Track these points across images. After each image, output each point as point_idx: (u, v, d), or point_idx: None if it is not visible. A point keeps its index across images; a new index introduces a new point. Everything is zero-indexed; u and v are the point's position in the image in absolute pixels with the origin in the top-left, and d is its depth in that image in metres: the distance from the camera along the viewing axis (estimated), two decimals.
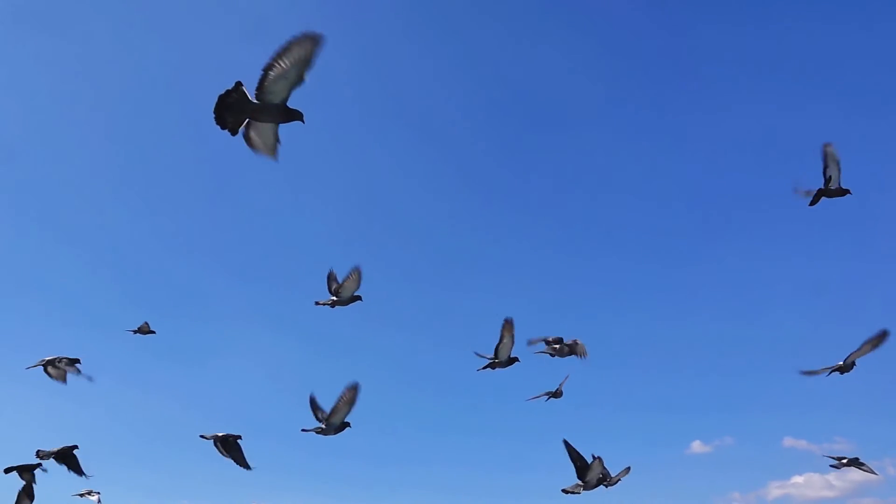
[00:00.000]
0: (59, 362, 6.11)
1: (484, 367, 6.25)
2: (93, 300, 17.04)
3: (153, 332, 8.08)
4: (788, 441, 16.39)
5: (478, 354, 6.31)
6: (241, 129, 3.64)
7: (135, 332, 8.02)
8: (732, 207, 20.02)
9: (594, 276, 19.58)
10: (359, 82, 21.24)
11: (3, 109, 18.00)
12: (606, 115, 21.54)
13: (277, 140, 3.70)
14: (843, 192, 6.69)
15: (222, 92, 3.46)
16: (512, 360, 6.21)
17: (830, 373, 6.52)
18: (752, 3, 20.34)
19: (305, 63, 3.38)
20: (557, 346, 6.16)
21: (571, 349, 6.16)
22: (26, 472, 6.03)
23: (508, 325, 6.01)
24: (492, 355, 6.18)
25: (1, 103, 17.93)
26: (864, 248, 18.34)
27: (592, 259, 20.06)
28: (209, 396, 15.70)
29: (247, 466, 5.91)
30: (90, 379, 6.23)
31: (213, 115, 3.52)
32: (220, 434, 5.92)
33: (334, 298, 6.25)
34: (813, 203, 6.85)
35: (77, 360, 6.22)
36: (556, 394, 6.74)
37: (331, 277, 6.28)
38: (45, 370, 6.21)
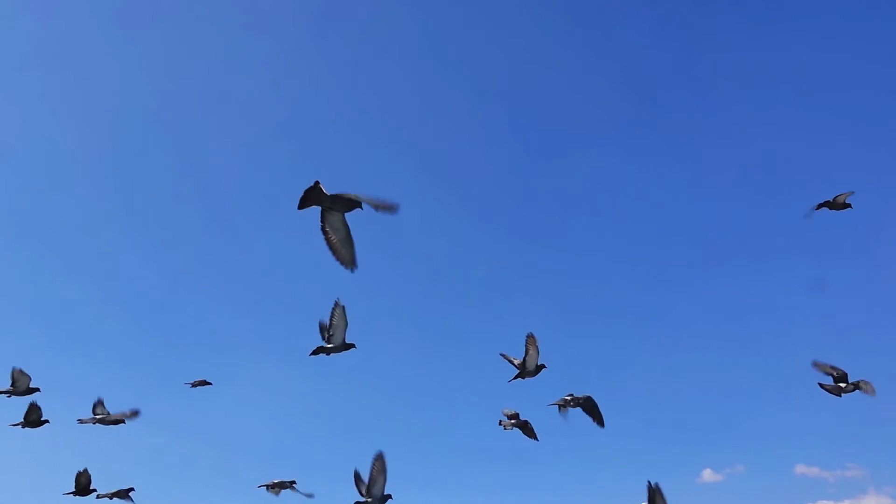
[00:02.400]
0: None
1: (514, 379, 6.86)
2: (104, 333, 17.22)
3: (209, 384, 8.42)
4: (801, 468, 16.37)
5: (504, 356, 6.93)
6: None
7: (192, 385, 8.36)
8: (740, 234, 20.20)
9: (602, 304, 19.70)
10: (359, 109, 21.68)
11: (15, 148, 18.49)
12: (609, 143, 21.83)
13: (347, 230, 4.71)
14: (845, 205, 7.07)
15: (307, 187, 4.47)
16: (540, 368, 6.79)
17: None
18: (757, 31, 20.75)
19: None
20: (570, 398, 6.74)
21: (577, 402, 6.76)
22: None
23: (532, 339, 6.62)
24: (519, 363, 6.78)
25: (13, 141, 18.42)
26: (869, 273, 18.50)
27: (599, 287, 20.20)
28: (219, 426, 15.72)
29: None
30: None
31: (298, 203, 4.51)
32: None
33: (331, 346, 6.45)
34: (815, 209, 7.16)
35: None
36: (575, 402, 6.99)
37: (322, 327, 6.49)
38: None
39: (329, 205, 4.54)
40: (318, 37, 21.55)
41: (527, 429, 7.38)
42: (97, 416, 6.98)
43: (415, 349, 18.26)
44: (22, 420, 6.99)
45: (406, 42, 21.82)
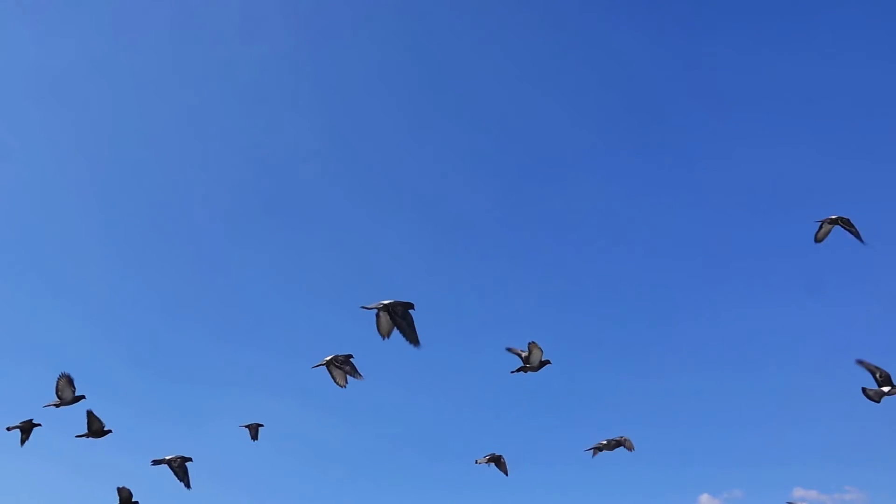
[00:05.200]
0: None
1: (517, 371, 7.26)
2: (98, 367, 17.10)
3: (262, 426, 8.70)
4: (798, 492, 16.21)
5: (511, 350, 7.32)
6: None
7: (247, 426, 8.65)
8: (735, 258, 20.28)
9: (598, 329, 19.67)
10: (346, 137, 21.71)
11: (8, 183, 18.40)
12: (605, 168, 21.97)
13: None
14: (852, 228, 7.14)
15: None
16: (544, 363, 7.17)
17: None
18: (759, 53, 21.04)
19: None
20: (605, 441, 7.36)
21: (619, 443, 7.43)
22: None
23: (534, 344, 7.09)
24: (525, 357, 7.17)
25: (7, 176, 18.33)
26: (868, 297, 18.58)
27: (596, 312, 20.17)
28: (209, 459, 15.45)
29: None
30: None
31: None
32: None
33: (328, 359, 6.79)
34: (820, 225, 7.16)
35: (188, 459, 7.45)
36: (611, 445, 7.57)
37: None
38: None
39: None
40: (305, 68, 21.68)
41: (499, 463, 7.96)
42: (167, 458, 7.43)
43: (408, 382, 18.16)
44: (87, 431, 7.33)
45: (394, 70, 21.96)
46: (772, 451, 16.55)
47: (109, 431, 7.41)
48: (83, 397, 7.30)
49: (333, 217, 20.65)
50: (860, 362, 6.97)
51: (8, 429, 7.44)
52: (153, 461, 7.38)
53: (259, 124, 21.77)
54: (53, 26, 20.28)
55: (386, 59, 22.07)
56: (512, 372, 7.25)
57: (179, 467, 7.32)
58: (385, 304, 5.75)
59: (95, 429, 7.30)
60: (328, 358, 6.61)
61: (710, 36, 21.76)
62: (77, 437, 7.35)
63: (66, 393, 7.21)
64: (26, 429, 7.42)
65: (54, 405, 7.23)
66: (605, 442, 7.36)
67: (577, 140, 22.22)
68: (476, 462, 8.08)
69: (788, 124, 21.44)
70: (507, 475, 7.99)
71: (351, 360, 6.61)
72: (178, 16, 20.66)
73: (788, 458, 16.56)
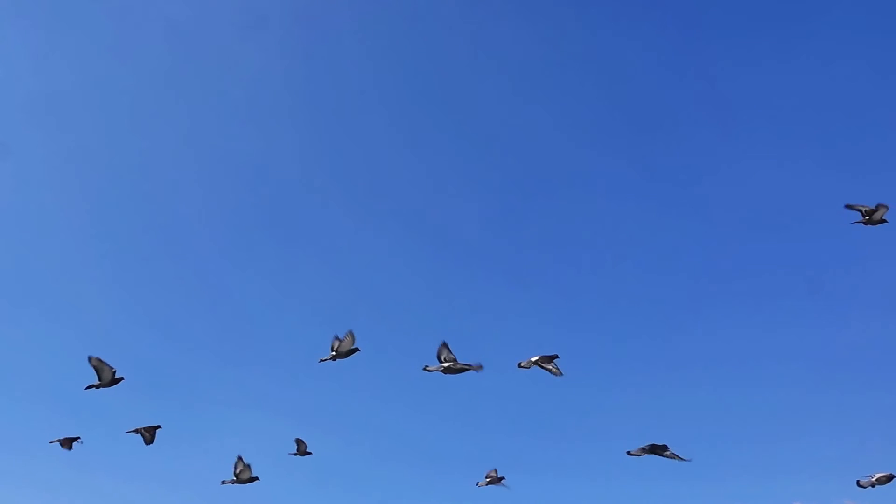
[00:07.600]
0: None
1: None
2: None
3: (310, 454, 9.00)
4: None
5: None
6: None
7: (296, 454, 8.94)
8: (733, 273, 20.28)
9: (596, 344, 19.65)
10: (341, 155, 21.71)
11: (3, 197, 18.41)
12: (603, 182, 21.99)
13: None
14: (882, 221, 7.15)
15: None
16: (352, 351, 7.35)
17: None
18: (762, 68, 21.08)
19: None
20: (646, 447, 7.62)
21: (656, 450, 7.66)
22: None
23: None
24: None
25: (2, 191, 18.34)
26: (867, 312, 18.56)
27: (593, 327, 20.15)
28: (204, 479, 15.40)
29: None
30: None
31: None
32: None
33: (334, 353, 7.27)
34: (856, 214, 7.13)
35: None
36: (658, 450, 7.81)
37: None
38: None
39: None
40: (299, 85, 21.72)
41: (499, 482, 8.29)
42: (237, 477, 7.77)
43: (404, 396, 18.09)
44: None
45: (388, 84, 21.99)
46: (771, 464, 16.50)
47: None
48: (122, 379, 7.49)
49: (328, 233, 20.66)
50: None
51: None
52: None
53: (254, 141, 21.82)
54: (50, 45, 20.42)
55: (379, 74, 22.17)
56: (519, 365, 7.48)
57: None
58: (445, 367, 6.84)
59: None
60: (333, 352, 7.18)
61: (711, 46, 21.88)
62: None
63: (105, 374, 7.37)
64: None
65: (94, 387, 7.45)
66: (646, 447, 7.54)
67: (574, 153, 22.31)
68: (478, 485, 8.38)
69: (791, 137, 21.54)
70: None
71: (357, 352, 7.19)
72: (172, 34, 20.80)
73: (788, 470, 16.50)
